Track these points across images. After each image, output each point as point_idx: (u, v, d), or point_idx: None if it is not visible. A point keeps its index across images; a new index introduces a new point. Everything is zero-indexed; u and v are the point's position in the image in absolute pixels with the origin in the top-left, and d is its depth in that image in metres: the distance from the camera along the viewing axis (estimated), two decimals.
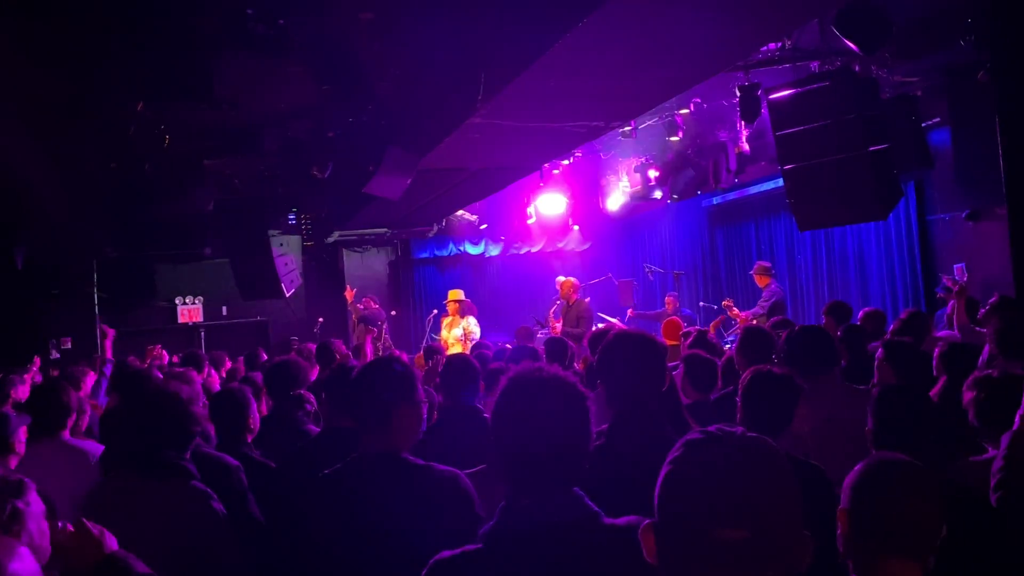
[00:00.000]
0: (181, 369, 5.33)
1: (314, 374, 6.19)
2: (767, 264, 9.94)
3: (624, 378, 2.65)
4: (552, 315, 10.84)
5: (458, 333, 10.84)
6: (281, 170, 9.48)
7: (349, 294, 12.44)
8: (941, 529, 1.83)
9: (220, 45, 5.76)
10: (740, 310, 9.99)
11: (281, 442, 3.99)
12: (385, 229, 13.90)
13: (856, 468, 1.93)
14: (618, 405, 2.64)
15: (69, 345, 12.91)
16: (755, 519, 1.09)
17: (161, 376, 5.03)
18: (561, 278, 11.67)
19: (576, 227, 15.80)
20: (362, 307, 12.22)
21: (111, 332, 7.08)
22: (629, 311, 11.83)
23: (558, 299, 10.87)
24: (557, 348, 5.76)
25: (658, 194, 12.67)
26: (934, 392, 4.02)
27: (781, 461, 1.17)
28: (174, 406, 2.79)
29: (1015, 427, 2.74)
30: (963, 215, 8.80)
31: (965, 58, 7.50)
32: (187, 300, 14.20)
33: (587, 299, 10.85)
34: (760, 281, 9.70)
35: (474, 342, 10.52)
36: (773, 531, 1.10)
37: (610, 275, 13.47)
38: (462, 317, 11.11)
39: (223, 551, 2.69)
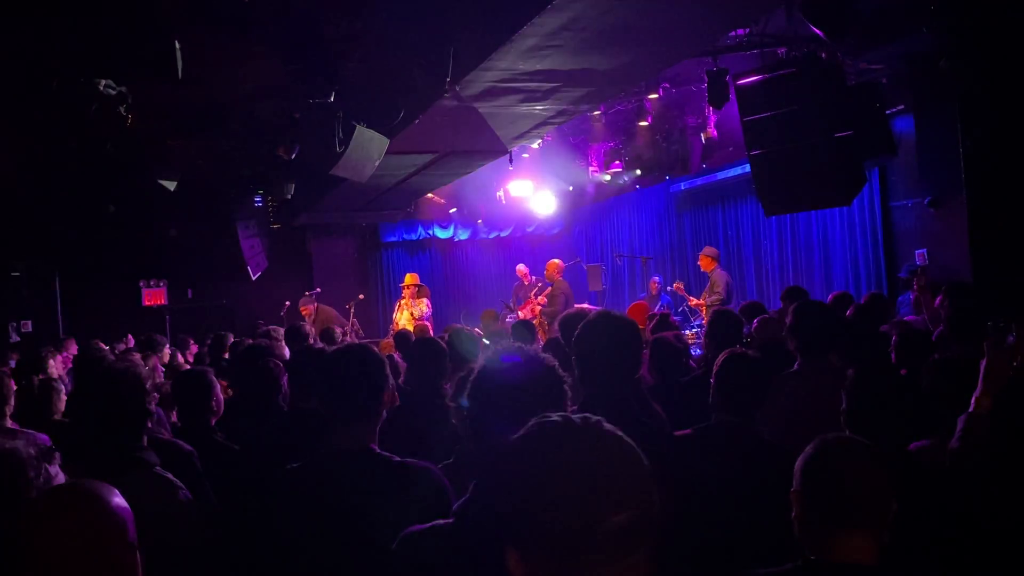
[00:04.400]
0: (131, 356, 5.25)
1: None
2: (716, 250, 10.02)
3: (602, 360, 2.57)
4: (533, 295, 10.97)
5: (416, 314, 10.98)
6: (247, 151, 9.35)
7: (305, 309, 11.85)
8: (892, 503, 1.86)
9: (184, 21, 5.65)
10: (695, 296, 10.13)
11: (247, 425, 3.95)
12: (353, 212, 13.78)
13: (806, 450, 1.96)
14: (591, 387, 2.56)
15: (30, 328, 12.67)
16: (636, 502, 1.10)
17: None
18: (521, 266, 11.89)
19: (542, 216, 15.86)
20: (309, 310, 11.64)
21: None
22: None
23: (518, 284, 11.07)
24: (525, 331, 5.79)
25: (626, 179, 12.72)
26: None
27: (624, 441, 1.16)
28: (122, 387, 2.71)
29: (970, 408, 2.80)
30: (925, 201, 8.93)
31: (928, 46, 7.59)
32: (151, 283, 13.96)
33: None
34: (706, 265, 9.73)
35: (420, 321, 10.69)
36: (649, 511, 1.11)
37: (580, 259, 13.51)
38: (418, 300, 11.24)
39: (193, 542, 2.65)
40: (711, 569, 2.37)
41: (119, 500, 1.64)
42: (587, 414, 1.18)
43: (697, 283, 11.99)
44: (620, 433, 1.16)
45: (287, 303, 13.08)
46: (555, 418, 1.17)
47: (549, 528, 1.07)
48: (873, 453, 1.91)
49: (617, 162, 12.67)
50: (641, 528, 1.10)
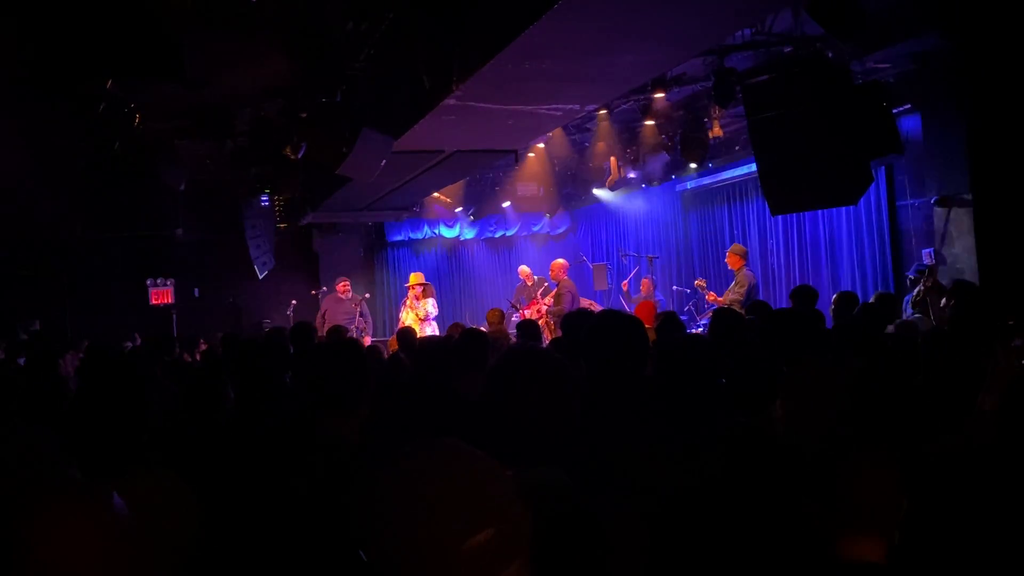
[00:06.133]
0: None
1: None
2: (744, 248, 9.94)
3: (608, 358, 2.61)
4: (539, 295, 10.98)
5: (422, 314, 10.98)
6: (253, 151, 9.38)
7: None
8: (902, 503, 1.87)
9: (191, 22, 5.68)
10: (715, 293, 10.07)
11: (257, 422, 3.97)
12: (359, 211, 13.81)
13: (814, 449, 1.96)
14: (597, 386, 2.60)
15: (38, 327, 12.72)
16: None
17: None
18: (524, 267, 11.89)
19: (548, 216, 16.03)
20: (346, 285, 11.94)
21: None
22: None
23: (520, 285, 11.06)
24: (530, 329, 5.80)
25: (632, 178, 12.72)
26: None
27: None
28: (126, 383, 2.73)
29: (977, 407, 2.80)
30: (932, 201, 8.92)
31: (935, 45, 7.58)
32: (158, 281, 14.03)
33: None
34: (734, 263, 9.69)
35: (428, 321, 10.77)
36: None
37: (585, 258, 13.50)
38: (423, 299, 11.25)
39: (196, 541, 2.65)
40: (719, 570, 2.38)
41: (117, 501, 1.64)
42: (441, 437, 1.16)
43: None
44: (475, 451, 1.15)
45: (293, 301, 13.13)
46: (405, 446, 1.15)
47: (411, 556, 1.06)
48: (883, 452, 1.92)
49: (622, 161, 12.66)
50: (506, 544, 1.10)
